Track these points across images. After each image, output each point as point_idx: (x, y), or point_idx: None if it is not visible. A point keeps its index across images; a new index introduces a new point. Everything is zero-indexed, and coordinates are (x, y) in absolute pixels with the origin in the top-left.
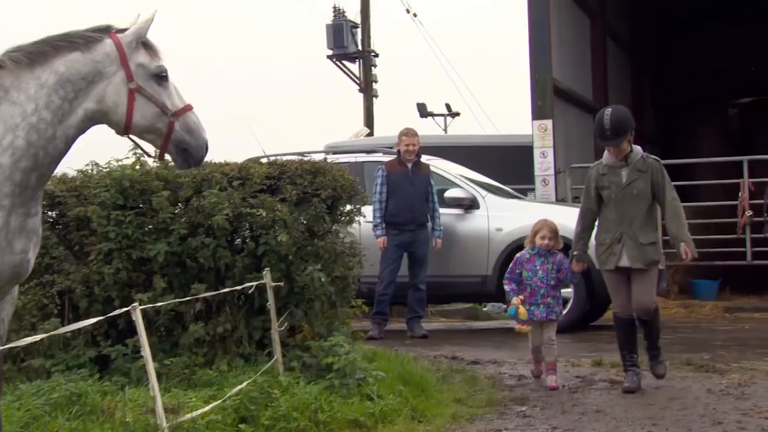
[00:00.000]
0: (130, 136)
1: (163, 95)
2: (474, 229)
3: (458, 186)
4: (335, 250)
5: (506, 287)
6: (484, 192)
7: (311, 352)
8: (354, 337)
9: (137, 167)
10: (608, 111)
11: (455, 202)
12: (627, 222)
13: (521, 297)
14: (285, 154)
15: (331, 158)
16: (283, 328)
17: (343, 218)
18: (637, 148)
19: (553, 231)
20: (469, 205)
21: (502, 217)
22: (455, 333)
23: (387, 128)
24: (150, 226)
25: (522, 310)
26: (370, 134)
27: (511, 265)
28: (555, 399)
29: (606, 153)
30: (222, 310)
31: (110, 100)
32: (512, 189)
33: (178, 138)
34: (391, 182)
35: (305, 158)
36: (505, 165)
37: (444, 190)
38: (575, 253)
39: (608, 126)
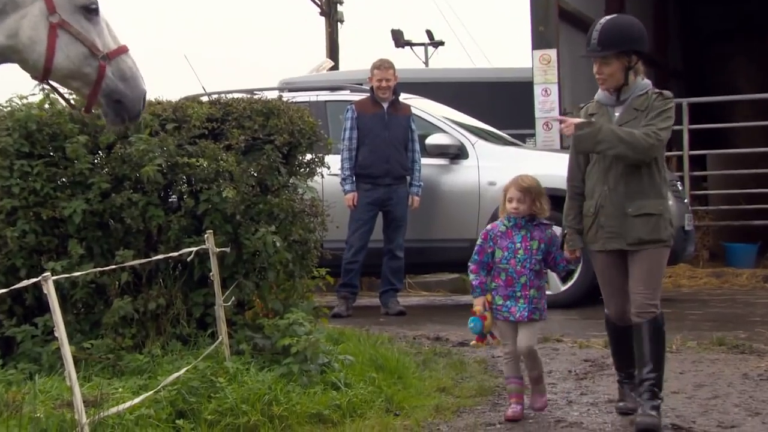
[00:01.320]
0: (50, 81)
1: (93, 33)
2: (461, 183)
3: (442, 131)
4: (293, 208)
5: (471, 277)
6: (473, 138)
7: (264, 332)
8: (316, 314)
9: (46, 106)
10: (606, 17)
11: (439, 151)
12: (611, 181)
13: (489, 297)
14: (231, 92)
15: (287, 96)
16: (229, 304)
17: (302, 170)
18: (644, 82)
19: (527, 190)
20: (456, 153)
21: (496, 168)
22: (438, 309)
23: (355, 61)
24: (63, 180)
25: (489, 322)
26: (335, 68)
27: (479, 241)
28: (559, 387)
29: (600, 89)
30: (154, 281)
31: (25, 35)
32: (508, 134)
33: (110, 87)
34: (362, 126)
35: (255, 96)
36: (499, 105)
37: (425, 136)
38: (564, 232)
39: (597, 32)
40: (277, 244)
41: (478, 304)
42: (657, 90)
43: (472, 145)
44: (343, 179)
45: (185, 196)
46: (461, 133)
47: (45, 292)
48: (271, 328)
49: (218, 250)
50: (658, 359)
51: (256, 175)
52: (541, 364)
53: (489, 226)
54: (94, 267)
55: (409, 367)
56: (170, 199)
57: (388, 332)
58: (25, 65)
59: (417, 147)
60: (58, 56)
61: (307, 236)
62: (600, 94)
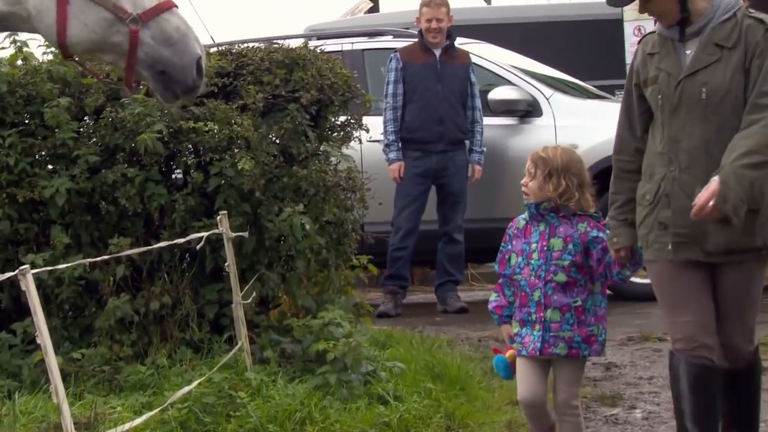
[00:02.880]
0: (76, 58)
1: None
2: (534, 147)
3: (509, 82)
4: (324, 182)
5: (492, 299)
6: (548, 90)
7: (293, 335)
8: (357, 312)
9: (19, 62)
10: None
11: (505, 107)
12: (683, 158)
13: (514, 329)
14: (246, 41)
15: (315, 45)
16: (249, 301)
17: (334, 134)
18: (726, 0)
19: (543, 161)
20: (527, 110)
21: (576, 127)
22: None
23: (399, 0)
24: (43, 153)
25: (512, 353)
26: (374, 9)
27: (502, 245)
28: (663, 397)
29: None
30: (157, 276)
31: (29, 1)
32: (592, 85)
33: (151, 55)
34: (409, 78)
35: (276, 45)
36: (581, 50)
37: (488, 90)
38: (610, 225)
39: None
40: (307, 227)
41: (504, 333)
42: (755, 13)
43: (547, 99)
44: (387, 145)
45: (192, 170)
46: (533, 85)
47: (23, 289)
48: (301, 330)
49: (234, 234)
50: (756, 410)
51: (278, 141)
52: (582, 428)
53: (511, 224)
54: (83, 259)
55: (473, 375)
56: (174, 174)
57: (447, 334)
58: (42, 35)
59: (478, 103)
60: (72, 26)
61: (343, 216)
62: (660, 26)
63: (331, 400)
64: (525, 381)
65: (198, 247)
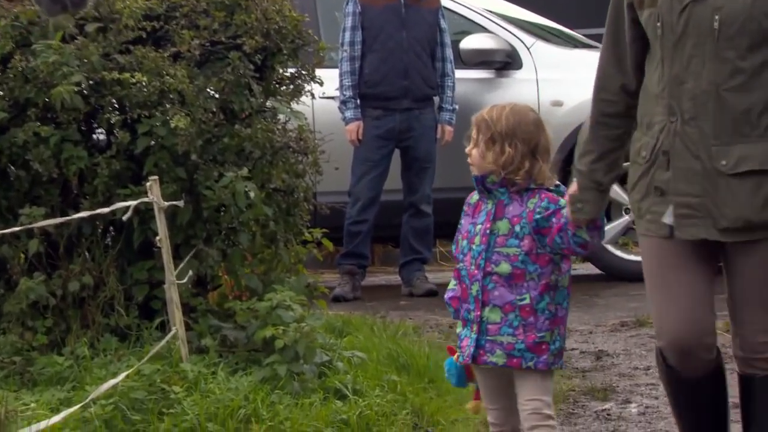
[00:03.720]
0: None
1: None
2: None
3: (484, 29)
4: (272, 143)
5: (450, 288)
6: (529, 39)
7: (236, 320)
8: (311, 293)
9: None
10: None
11: (480, 58)
12: (691, 103)
13: (458, 328)
14: None
15: None
16: (185, 281)
17: (283, 88)
18: None
19: (487, 124)
20: (505, 62)
21: (562, 81)
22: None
23: None
24: None
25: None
26: None
27: (460, 223)
28: (662, 389)
29: None
30: (76, 252)
31: None
32: (580, 34)
33: None
34: (369, 25)
35: None
36: None
37: (460, 39)
38: (575, 184)
39: None
40: (252, 195)
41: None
42: None
43: (528, 48)
44: (343, 102)
45: (117, 129)
46: (512, 33)
47: None
48: (245, 315)
49: (167, 204)
50: None
51: (217, 96)
52: None
53: (468, 198)
54: None
55: (444, 366)
56: (95, 134)
57: (414, 319)
58: None
59: (449, 54)
60: None
61: (293, 183)
62: None
63: (281, 394)
64: (487, 396)
65: (125, 218)
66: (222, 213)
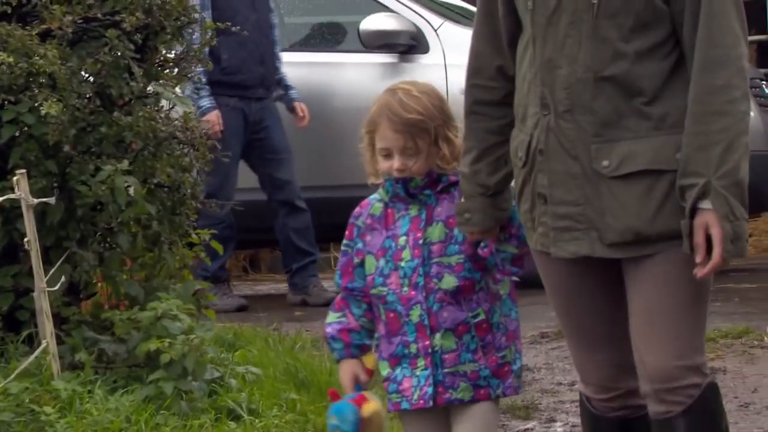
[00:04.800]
0: None
1: None
2: None
3: (386, 8)
4: (155, 132)
5: (332, 320)
6: (437, 19)
7: (114, 332)
8: (198, 302)
9: None
10: None
11: (382, 41)
12: (566, 92)
13: (370, 360)
14: None
15: None
16: (57, 288)
17: (167, 70)
18: None
19: (412, 124)
20: (410, 45)
21: None
22: None
23: None
24: None
25: (373, 411)
26: None
27: (345, 243)
28: None
29: None
30: None
31: None
32: None
33: None
34: (221, 5)
35: None
36: None
37: (357, 20)
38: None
39: None
40: (132, 191)
41: (345, 376)
42: None
43: (435, 30)
44: (198, 89)
45: None
46: (417, 12)
47: None
48: (125, 326)
49: (36, 201)
50: None
51: (93, 79)
52: None
53: (357, 209)
54: None
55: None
56: None
57: (312, 331)
58: None
59: (278, 36)
60: None
61: (179, 178)
62: None
63: (167, 415)
64: None
65: None
66: (99, 211)
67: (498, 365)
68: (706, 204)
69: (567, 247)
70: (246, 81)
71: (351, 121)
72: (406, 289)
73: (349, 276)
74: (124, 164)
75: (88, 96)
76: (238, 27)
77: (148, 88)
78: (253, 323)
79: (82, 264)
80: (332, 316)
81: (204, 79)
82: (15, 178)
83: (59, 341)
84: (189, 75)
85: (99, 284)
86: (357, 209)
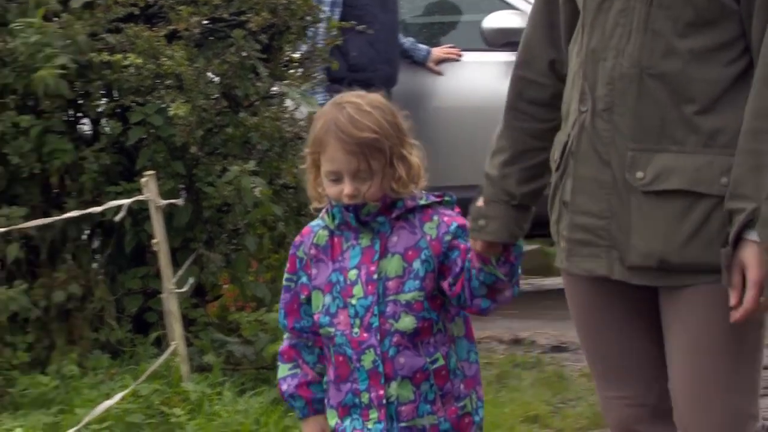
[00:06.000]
0: None
1: None
2: None
3: (509, 5)
4: (281, 133)
5: (284, 374)
6: None
7: (241, 334)
8: None
9: None
10: None
11: (505, 39)
12: (607, 88)
13: (330, 419)
14: None
15: None
16: (185, 290)
17: (291, 71)
18: None
19: (365, 144)
20: None
21: None
22: (515, 298)
23: None
24: None
25: None
26: None
27: (287, 277)
28: None
29: None
30: (60, 257)
31: None
32: None
33: None
34: (352, 2)
35: None
36: None
37: (478, 19)
38: (481, 194)
39: None
40: (259, 192)
41: None
42: None
43: None
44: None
45: (106, 118)
46: None
47: None
48: (253, 328)
49: (164, 202)
50: None
51: (219, 80)
52: None
53: (298, 238)
54: None
55: None
56: (81, 123)
57: None
58: None
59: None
60: None
61: (304, 178)
62: None
63: (295, 417)
64: None
65: (116, 219)
66: (225, 213)
67: (458, 417)
68: (751, 235)
69: (582, 264)
70: (372, 79)
71: (471, 120)
72: (357, 330)
73: (295, 315)
74: (251, 165)
75: (214, 97)
76: (366, 26)
77: (273, 88)
78: None
79: (209, 266)
80: (284, 369)
81: (325, 77)
82: (144, 180)
83: (187, 343)
84: (314, 75)
85: (224, 286)
86: (298, 238)
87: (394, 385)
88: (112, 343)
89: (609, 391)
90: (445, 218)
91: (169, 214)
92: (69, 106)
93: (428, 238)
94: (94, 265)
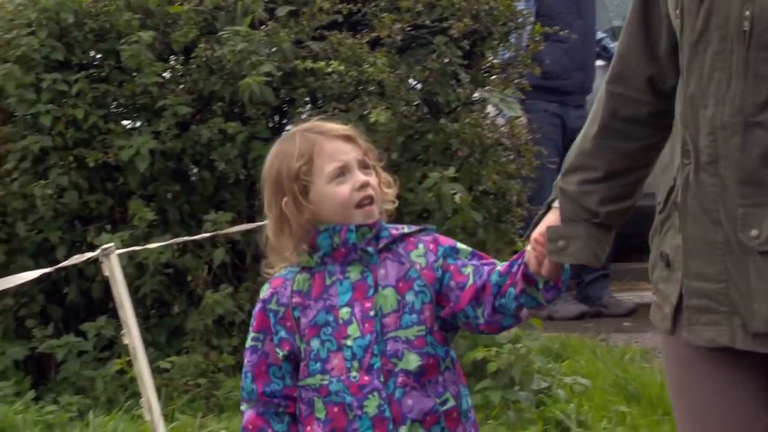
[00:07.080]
0: None
1: None
2: None
3: None
4: (481, 139)
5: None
6: None
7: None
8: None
9: None
10: None
11: None
12: (710, 138)
13: None
14: None
15: None
16: None
17: (492, 77)
18: None
19: (346, 131)
20: None
21: None
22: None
23: None
24: (120, 103)
25: None
26: None
27: (253, 336)
28: None
29: None
30: (264, 261)
31: None
32: None
33: None
34: (546, 10)
35: None
36: None
37: None
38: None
39: None
40: (458, 198)
41: None
42: None
43: None
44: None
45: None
46: None
47: (106, 273)
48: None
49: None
50: None
51: (420, 86)
52: None
53: (265, 292)
54: (171, 239)
55: None
56: (286, 130)
57: (641, 343)
58: None
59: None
60: None
61: (505, 185)
62: None
63: (495, 425)
64: None
65: None
66: (425, 219)
67: None
68: None
69: (703, 333)
70: (566, 87)
71: None
72: (355, 374)
73: (264, 378)
74: (451, 171)
75: (415, 103)
76: (564, 32)
77: (474, 95)
78: (580, 333)
79: None
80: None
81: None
82: None
83: None
84: (515, 81)
85: None
86: (267, 293)
87: (403, 430)
88: None
89: None
90: (431, 245)
91: None
92: (274, 113)
93: (418, 266)
94: None
